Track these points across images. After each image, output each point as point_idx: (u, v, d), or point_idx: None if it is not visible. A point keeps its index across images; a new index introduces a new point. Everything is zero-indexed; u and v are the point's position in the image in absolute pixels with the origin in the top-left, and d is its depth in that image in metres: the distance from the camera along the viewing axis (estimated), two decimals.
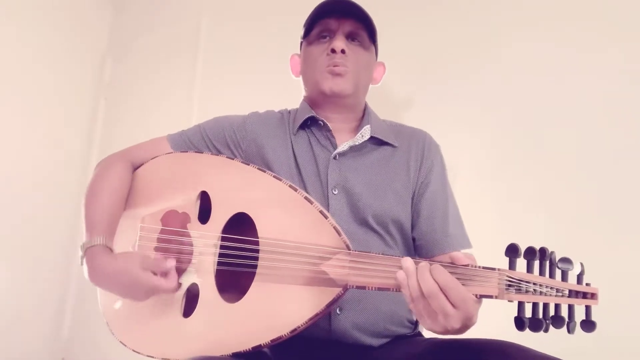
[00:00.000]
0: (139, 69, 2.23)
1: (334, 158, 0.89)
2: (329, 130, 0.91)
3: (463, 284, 0.59)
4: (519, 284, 0.57)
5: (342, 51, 0.90)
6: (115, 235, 0.84)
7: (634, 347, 1.08)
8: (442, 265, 0.61)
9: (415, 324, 0.91)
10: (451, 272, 0.60)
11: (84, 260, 0.78)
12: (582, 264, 0.60)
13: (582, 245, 1.16)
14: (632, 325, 1.08)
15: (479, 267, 0.60)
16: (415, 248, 0.92)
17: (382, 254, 0.67)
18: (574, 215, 1.20)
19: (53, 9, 2.16)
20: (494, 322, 0.80)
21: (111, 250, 0.80)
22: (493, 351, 0.64)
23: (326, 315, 0.78)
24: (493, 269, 0.59)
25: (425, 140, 0.96)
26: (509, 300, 0.58)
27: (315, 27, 0.94)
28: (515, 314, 0.58)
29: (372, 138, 0.92)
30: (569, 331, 0.58)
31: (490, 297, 0.59)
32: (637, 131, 1.17)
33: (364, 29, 0.93)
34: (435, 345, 0.74)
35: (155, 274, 0.77)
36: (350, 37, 0.93)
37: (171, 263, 0.79)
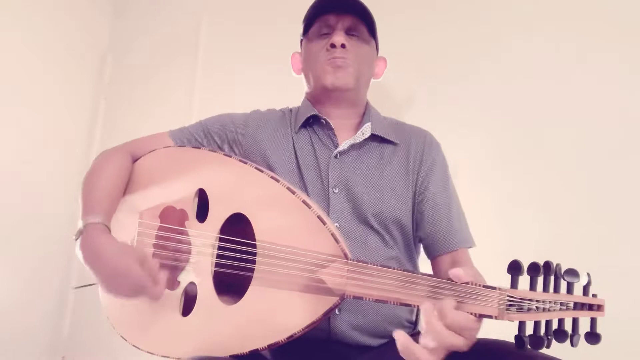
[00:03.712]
0: (139, 69, 2.22)
1: (335, 157, 0.89)
2: (331, 129, 0.91)
3: (462, 302, 0.58)
4: (521, 302, 0.55)
5: (342, 45, 0.89)
6: (113, 228, 0.82)
7: (634, 346, 1.07)
8: (441, 283, 0.59)
9: (415, 323, 0.90)
10: (451, 289, 0.59)
11: (81, 236, 0.75)
12: (588, 275, 0.58)
13: (581, 245, 1.16)
14: (632, 324, 1.07)
15: (480, 285, 0.58)
16: (423, 248, 0.92)
17: (381, 265, 0.65)
18: (573, 215, 1.20)
19: (53, 9, 2.15)
20: (495, 322, 0.79)
21: (109, 231, 0.77)
22: (494, 351, 0.63)
23: None
24: (494, 288, 0.57)
25: (426, 140, 0.95)
26: (509, 321, 0.56)
27: (315, 24, 0.94)
28: (518, 329, 0.56)
29: (373, 136, 0.92)
30: (572, 344, 0.56)
31: (490, 317, 0.57)
32: (637, 131, 1.17)
33: (363, 23, 0.93)
34: None
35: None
36: (350, 31, 0.92)
37: (164, 275, 0.76)
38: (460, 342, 0.56)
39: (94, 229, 0.75)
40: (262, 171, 0.79)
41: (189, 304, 0.78)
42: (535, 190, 1.26)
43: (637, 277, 1.10)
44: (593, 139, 1.21)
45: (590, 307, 0.57)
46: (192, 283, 0.79)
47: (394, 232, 0.88)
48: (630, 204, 1.14)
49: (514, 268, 0.57)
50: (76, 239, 0.76)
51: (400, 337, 0.57)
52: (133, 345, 0.81)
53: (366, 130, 0.91)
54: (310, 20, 0.94)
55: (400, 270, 0.64)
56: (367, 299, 0.65)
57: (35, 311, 2.04)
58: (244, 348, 0.71)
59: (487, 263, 0.79)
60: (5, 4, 1.99)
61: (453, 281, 0.59)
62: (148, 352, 0.80)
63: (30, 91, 2.06)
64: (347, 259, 0.68)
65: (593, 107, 1.23)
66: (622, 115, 1.19)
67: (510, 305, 0.56)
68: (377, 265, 0.65)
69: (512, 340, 0.63)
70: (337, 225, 0.84)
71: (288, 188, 0.76)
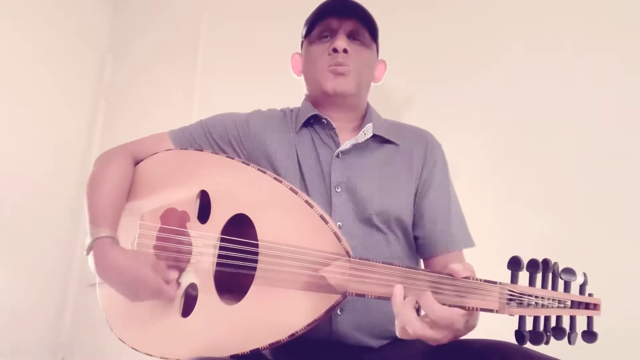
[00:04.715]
0: (139, 69, 2.23)
1: (337, 156, 0.89)
2: (333, 129, 0.91)
3: (463, 297, 0.59)
4: (521, 297, 0.56)
5: (345, 50, 0.89)
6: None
7: (633, 346, 1.08)
8: (442, 278, 0.60)
9: None
10: (452, 284, 0.60)
11: (92, 251, 0.78)
12: (585, 274, 0.59)
13: (581, 245, 1.16)
14: (632, 323, 1.08)
15: (480, 280, 0.59)
16: (418, 247, 0.92)
17: (383, 263, 0.66)
18: (573, 215, 1.20)
19: (53, 9, 2.16)
20: (496, 323, 0.80)
21: (118, 243, 0.80)
22: (495, 353, 0.63)
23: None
24: (494, 282, 0.58)
25: (428, 140, 0.96)
26: (510, 315, 0.57)
27: (317, 26, 0.94)
28: (516, 326, 0.57)
29: (374, 136, 0.92)
30: (569, 342, 0.57)
31: (491, 311, 0.58)
32: (637, 131, 1.17)
33: (365, 28, 0.93)
34: (436, 346, 0.74)
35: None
36: (352, 36, 0.92)
37: (175, 274, 0.79)
38: (440, 336, 0.59)
39: (103, 244, 0.78)
40: (264, 172, 0.80)
41: (189, 304, 0.78)
42: (535, 190, 1.26)
43: (637, 277, 1.10)
44: (593, 139, 1.21)
45: (587, 305, 0.58)
46: (192, 284, 0.79)
47: (396, 232, 0.88)
48: (630, 204, 1.15)
49: (514, 263, 0.58)
50: (87, 254, 0.79)
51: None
52: (131, 347, 0.82)
53: (368, 130, 0.91)
54: (312, 23, 0.94)
55: (402, 266, 0.64)
56: (370, 296, 0.66)
57: (35, 312, 2.04)
58: (246, 347, 0.71)
59: (487, 262, 0.80)
60: (6, 4, 1.99)
61: (453, 276, 0.60)
62: (146, 354, 0.80)
63: (30, 91, 2.06)
64: (349, 256, 0.69)
65: (593, 107, 1.23)
66: (623, 114, 1.19)
67: (510, 300, 0.57)
68: (379, 262, 0.66)
69: (511, 338, 0.64)
70: (340, 225, 0.84)
71: (291, 189, 0.76)
